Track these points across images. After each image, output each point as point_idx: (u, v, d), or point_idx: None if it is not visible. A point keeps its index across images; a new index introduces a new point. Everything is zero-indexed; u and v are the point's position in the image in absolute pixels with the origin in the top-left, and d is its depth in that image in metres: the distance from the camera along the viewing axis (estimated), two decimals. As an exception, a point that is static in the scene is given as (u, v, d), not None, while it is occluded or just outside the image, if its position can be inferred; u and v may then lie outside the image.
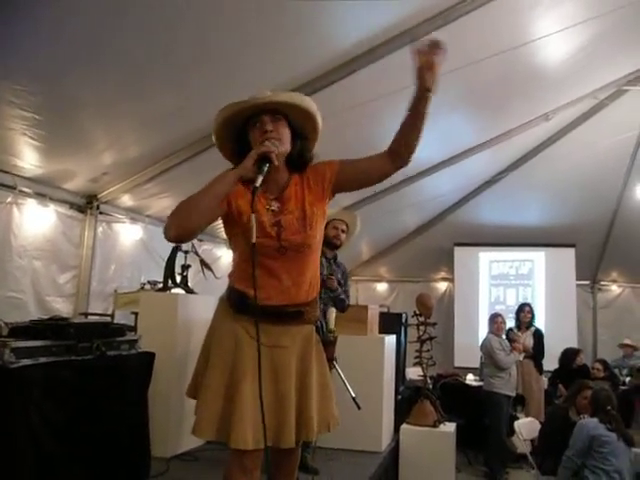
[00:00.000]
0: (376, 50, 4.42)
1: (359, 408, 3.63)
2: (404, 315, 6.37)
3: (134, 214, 5.97)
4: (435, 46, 1.91)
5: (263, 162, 1.94)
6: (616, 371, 7.47)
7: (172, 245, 4.71)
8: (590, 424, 4.15)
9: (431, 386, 5.66)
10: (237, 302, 2.07)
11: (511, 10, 4.64)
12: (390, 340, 5.30)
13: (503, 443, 6.13)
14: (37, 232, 4.92)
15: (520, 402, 6.69)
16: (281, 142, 2.03)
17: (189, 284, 4.78)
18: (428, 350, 5.22)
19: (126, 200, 5.74)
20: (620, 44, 5.74)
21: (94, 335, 3.07)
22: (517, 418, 5.90)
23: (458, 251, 9.95)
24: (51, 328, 2.90)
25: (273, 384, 2.02)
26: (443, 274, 10.51)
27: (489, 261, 9.95)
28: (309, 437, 2.05)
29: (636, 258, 9.01)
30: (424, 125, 2.02)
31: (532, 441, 5.15)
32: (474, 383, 7.41)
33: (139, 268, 6.10)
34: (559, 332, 7.37)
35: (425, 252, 9.88)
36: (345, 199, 7.20)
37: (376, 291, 10.66)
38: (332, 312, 3.09)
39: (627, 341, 8.41)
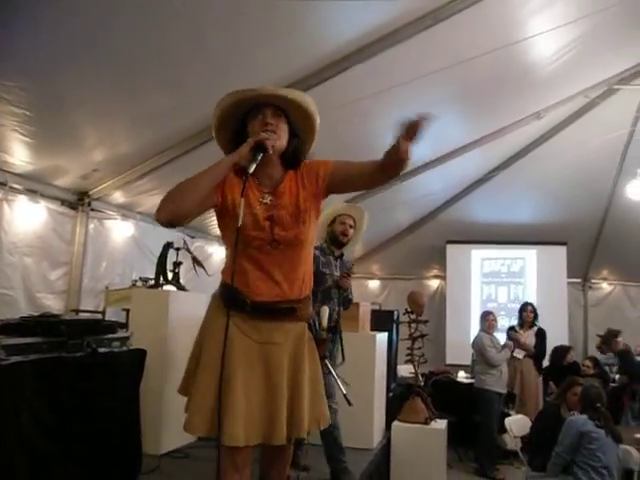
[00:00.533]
0: (367, 48, 4.43)
1: (350, 405, 3.64)
2: (396, 312, 6.38)
3: (125, 211, 5.96)
4: (422, 121, 1.88)
5: (258, 150, 1.98)
6: (607, 368, 7.51)
7: (164, 242, 4.71)
8: (579, 421, 4.18)
9: (422, 383, 5.67)
10: (229, 298, 2.08)
11: (502, 9, 4.65)
12: (382, 337, 5.31)
13: (494, 440, 6.17)
14: (28, 229, 4.90)
15: (511, 399, 6.72)
16: (279, 136, 2.06)
17: (181, 281, 4.77)
18: (420, 347, 5.23)
19: (117, 197, 5.72)
20: (611, 43, 5.77)
21: (85, 332, 3.06)
22: (508, 415, 5.93)
23: (450, 249, 9.97)
24: (42, 325, 2.88)
25: (264, 381, 2.02)
26: (435, 272, 10.53)
27: (481, 259, 9.97)
28: (300, 434, 2.06)
29: (627, 256, 9.07)
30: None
31: (522, 438, 5.18)
32: (465, 380, 7.44)
33: (131, 265, 6.09)
34: (550, 330, 7.38)
35: (417, 250, 9.90)
36: (336, 196, 7.19)
37: (368, 288, 10.66)
38: (325, 310, 3.09)
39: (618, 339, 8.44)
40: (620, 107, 7.16)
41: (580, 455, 4.03)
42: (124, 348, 3.40)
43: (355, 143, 5.58)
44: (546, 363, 7.13)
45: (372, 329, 5.35)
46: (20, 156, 4.50)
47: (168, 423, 4.03)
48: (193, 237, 6.79)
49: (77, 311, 5.33)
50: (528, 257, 9.75)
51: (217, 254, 7.31)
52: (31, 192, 4.87)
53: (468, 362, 7.62)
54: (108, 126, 4.62)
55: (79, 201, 5.42)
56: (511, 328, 7.15)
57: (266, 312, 2.04)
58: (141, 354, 3.55)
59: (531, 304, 7.24)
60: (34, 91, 3.83)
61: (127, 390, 3.41)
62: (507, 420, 5.32)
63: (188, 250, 4.86)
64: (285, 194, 2.10)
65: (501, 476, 6.11)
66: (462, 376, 7.70)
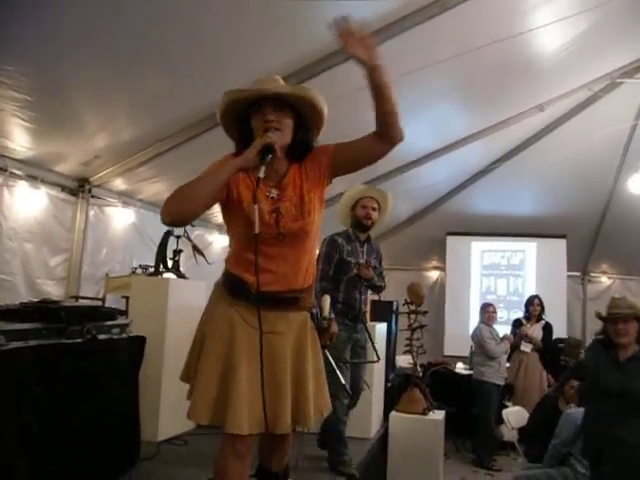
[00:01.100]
0: (373, 36, 4.39)
1: (349, 395, 3.66)
2: (395, 303, 6.39)
3: (126, 198, 5.95)
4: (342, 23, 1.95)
5: (266, 153, 1.97)
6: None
7: (164, 229, 4.70)
8: (576, 414, 4.19)
9: (421, 374, 5.67)
10: (233, 287, 2.08)
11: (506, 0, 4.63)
12: (381, 328, 5.31)
13: (491, 431, 6.19)
14: (28, 215, 4.89)
15: (509, 391, 6.74)
16: (282, 133, 2.04)
17: (181, 269, 4.77)
18: (418, 338, 5.23)
19: (118, 184, 5.71)
20: (614, 37, 5.74)
21: (85, 319, 3.06)
22: (506, 407, 5.95)
23: (450, 240, 9.97)
24: (42, 311, 2.88)
25: (268, 370, 2.02)
26: (435, 263, 10.53)
27: (481, 251, 9.97)
28: (306, 424, 2.07)
29: (626, 250, 9.06)
30: (391, 94, 1.97)
31: (519, 429, 5.20)
32: (463, 372, 7.46)
33: (131, 252, 6.09)
34: (549, 323, 7.45)
35: (417, 241, 9.89)
36: (337, 187, 7.18)
37: (368, 279, 10.64)
38: (326, 299, 3.08)
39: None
40: (623, 101, 7.13)
41: (577, 447, 4.04)
42: (124, 335, 3.40)
43: (359, 132, 5.55)
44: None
45: (371, 319, 5.34)
46: (20, 142, 4.48)
47: (167, 410, 4.04)
48: (193, 225, 6.76)
49: (77, 298, 5.33)
50: (528, 250, 9.74)
51: (217, 242, 7.31)
52: (31, 178, 4.85)
53: (466, 353, 7.64)
54: (109, 112, 4.60)
55: (80, 187, 5.41)
56: (517, 320, 7.14)
57: (270, 302, 2.03)
58: (140, 341, 3.56)
59: (538, 297, 7.15)
60: (35, 76, 3.81)
61: (126, 377, 3.42)
62: (505, 412, 5.35)
63: (188, 238, 4.85)
64: (289, 186, 2.09)
65: (498, 467, 6.14)
66: (460, 367, 7.72)
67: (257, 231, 1.91)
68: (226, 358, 2.01)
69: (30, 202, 4.90)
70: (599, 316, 3.60)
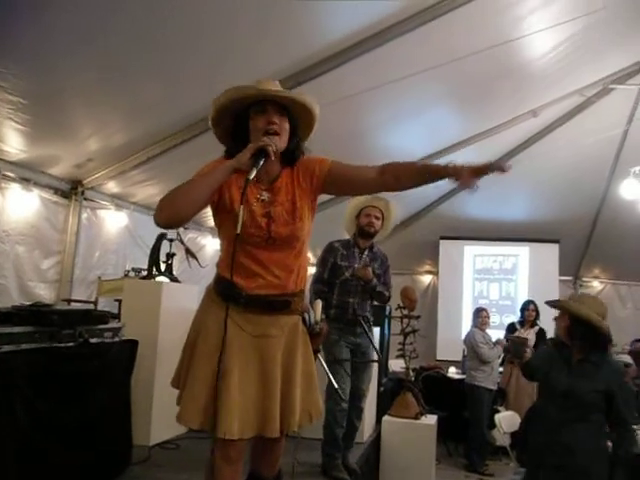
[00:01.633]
0: (364, 43, 4.42)
1: (342, 399, 3.66)
2: (388, 307, 6.39)
3: (119, 201, 5.94)
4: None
5: (260, 156, 1.96)
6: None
7: (157, 232, 4.70)
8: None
9: (413, 378, 5.68)
10: (223, 291, 2.08)
11: (498, 6, 4.65)
12: (374, 332, 5.31)
13: (483, 436, 6.20)
14: (20, 217, 4.88)
15: (501, 396, 6.75)
16: (280, 138, 2.04)
17: (174, 272, 4.76)
18: (411, 343, 5.23)
19: (111, 187, 5.70)
20: (607, 42, 5.78)
21: (77, 322, 3.05)
22: (498, 411, 5.95)
23: (443, 244, 9.98)
24: (34, 314, 2.87)
25: (259, 374, 2.02)
26: (428, 267, 10.54)
27: (473, 255, 9.99)
28: (291, 427, 2.06)
29: (618, 255, 9.10)
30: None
31: (511, 434, 5.20)
32: (456, 376, 7.46)
33: (124, 255, 6.08)
34: (541, 327, 7.47)
35: (410, 245, 9.88)
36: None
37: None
38: (318, 303, 3.08)
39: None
40: (615, 106, 7.17)
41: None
42: (116, 339, 3.40)
43: (349, 139, 5.58)
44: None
45: (364, 324, 5.35)
46: (14, 144, 4.47)
47: (159, 414, 4.03)
48: (186, 228, 6.77)
49: (69, 301, 5.31)
50: (520, 254, 9.77)
51: (210, 246, 7.30)
52: (24, 180, 4.84)
53: (459, 358, 7.65)
54: (103, 115, 4.60)
55: (72, 190, 5.40)
56: (511, 325, 7.15)
57: (261, 305, 2.04)
58: (133, 345, 3.55)
59: (533, 302, 7.13)
60: (29, 79, 3.81)
61: (118, 381, 3.41)
62: (497, 416, 5.34)
63: (181, 241, 4.85)
64: (281, 190, 2.09)
65: (490, 472, 6.15)
66: (453, 372, 7.73)
67: (238, 231, 1.91)
68: (216, 361, 2.00)
69: (22, 204, 4.88)
70: (550, 303, 3.48)
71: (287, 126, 2.08)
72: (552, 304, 3.40)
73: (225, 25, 3.87)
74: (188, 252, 4.85)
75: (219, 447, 1.99)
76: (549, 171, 7.99)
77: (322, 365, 3.14)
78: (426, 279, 10.55)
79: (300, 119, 2.13)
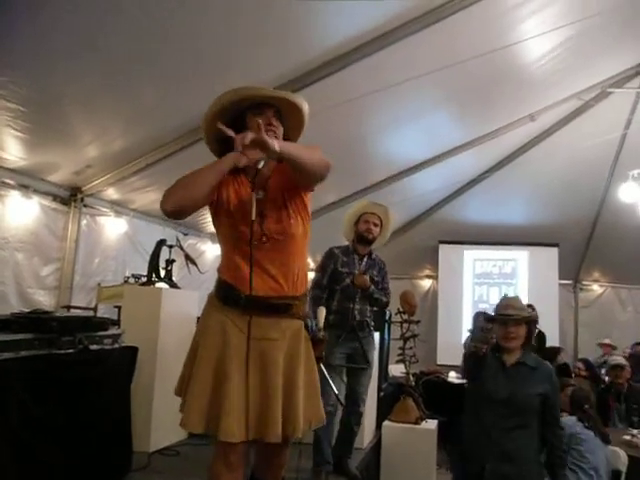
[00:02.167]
0: (364, 48, 4.43)
1: (342, 405, 3.65)
2: (388, 312, 6.38)
3: (119, 207, 5.94)
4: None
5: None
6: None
7: (157, 239, 4.70)
8: (568, 422, 4.19)
9: (413, 383, 5.66)
10: (225, 294, 2.08)
11: (497, 11, 4.67)
12: (374, 337, 5.30)
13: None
14: (20, 224, 4.88)
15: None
16: (278, 138, 2.06)
17: (173, 278, 4.76)
18: (411, 347, 5.23)
19: (111, 193, 5.71)
20: (605, 46, 5.80)
21: (77, 329, 3.05)
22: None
23: (443, 249, 10.00)
24: (33, 321, 2.87)
25: (260, 377, 2.02)
26: (427, 271, 10.55)
27: (473, 259, 10.00)
28: (295, 434, 2.05)
29: (617, 258, 9.12)
30: (301, 159, 1.99)
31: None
32: (456, 381, 7.44)
33: (123, 262, 6.08)
34: (541, 331, 7.46)
35: (410, 249, 9.90)
36: (329, 195, 7.21)
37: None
38: (321, 310, 3.08)
39: (607, 340, 8.48)
40: (613, 110, 7.19)
41: (569, 456, 4.03)
42: (116, 345, 3.39)
43: (349, 142, 5.59)
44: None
45: (364, 328, 5.34)
46: (13, 151, 4.48)
47: (159, 421, 4.02)
48: (186, 234, 6.78)
49: (69, 307, 5.31)
50: (520, 258, 9.78)
51: (210, 252, 7.30)
52: (23, 187, 4.85)
53: (459, 362, 7.62)
54: (102, 122, 4.61)
55: (72, 197, 5.41)
56: None
57: (261, 307, 2.04)
58: (133, 352, 3.54)
59: (532, 306, 7.15)
60: (28, 86, 3.82)
61: (118, 388, 3.40)
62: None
63: (181, 247, 4.85)
64: (273, 188, 2.12)
65: (490, 476, 6.12)
66: (453, 376, 7.70)
67: (253, 217, 1.98)
68: (218, 365, 2.01)
69: (22, 211, 4.89)
70: (488, 318, 3.42)
71: (282, 129, 2.13)
72: (513, 318, 3.23)
73: (225, 31, 3.89)
74: (188, 258, 4.85)
75: (220, 452, 1.99)
76: (548, 175, 8.01)
77: (322, 371, 3.14)
78: (426, 283, 10.56)
79: (290, 121, 2.18)
